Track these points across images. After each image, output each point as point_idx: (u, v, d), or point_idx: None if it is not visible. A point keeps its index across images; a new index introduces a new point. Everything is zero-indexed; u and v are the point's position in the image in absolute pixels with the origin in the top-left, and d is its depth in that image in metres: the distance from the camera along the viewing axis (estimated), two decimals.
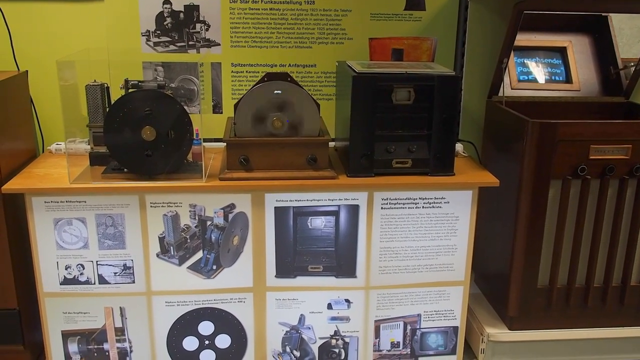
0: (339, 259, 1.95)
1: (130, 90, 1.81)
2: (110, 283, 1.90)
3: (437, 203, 1.93)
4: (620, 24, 2.39)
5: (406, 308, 2.03)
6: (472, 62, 2.33)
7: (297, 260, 1.94)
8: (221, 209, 1.87)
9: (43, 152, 2.20)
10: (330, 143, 1.91)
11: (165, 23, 2.15)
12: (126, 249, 1.87)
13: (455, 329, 2.07)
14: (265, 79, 1.86)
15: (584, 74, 2.34)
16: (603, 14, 2.32)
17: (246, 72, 2.23)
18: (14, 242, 1.88)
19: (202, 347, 2.00)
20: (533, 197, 1.95)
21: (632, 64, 2.27)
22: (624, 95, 2.30)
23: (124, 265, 1.89)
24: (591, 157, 1.93)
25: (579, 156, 1.93)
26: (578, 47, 2.36)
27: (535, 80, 2.32)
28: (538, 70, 2.33)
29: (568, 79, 2.33)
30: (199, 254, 1.91)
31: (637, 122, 1.95)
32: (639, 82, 2.28)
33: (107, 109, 1.86)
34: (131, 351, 1.98)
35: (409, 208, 1.92)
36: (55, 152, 2.10)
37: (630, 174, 1.96)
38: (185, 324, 1.97)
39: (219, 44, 2.19)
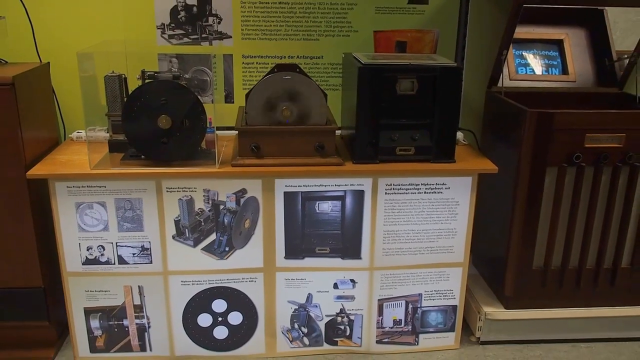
0: (345, 241, 1.95)
1: (146, 81, 1.80)
2: (129, 263, 1.91)
3: (438, 189, 1.92)
4: (614, 17, 2.36)
5: (408, 288, 2.03)
6: (473, 54, 2.30)
7: (305, 243, 1.95)
8: (233, 193, 1.87)
9: (65, 139, 2.20)
10: (336, 131, 1.90)
11: (179, 16, 2.13)
12: (144, 232, 1.88)
13: (454, 307, 2.08)
14: (275, 69, 1.85)
15: (579, 65, 2.31)
16: (599, 8, 2.29)
17: (256, 63, 2.22)
18: (38, 225, 1.89)
19: (215, 323, 2.02)
20: (530, 183, 1.94)
21: (626, 56, 2.24)
22: (618, 86, 2.28)
23: (142, 246, 1.89)
24: (586, 146, 1.92)
25: (575, 144, 1.91)
26: (574, 40, 2.33)
27: (533, 72, 2.29)
28: (536, 62, 2.31)
29: (564, 71, 2.31)
30: (213, 236, 1.91)
31: (630, 112, 1.94)
32: (633, 73, 2.25)
33: (125, 99, 1.85)
34: (149, 327, 1.99)
35: (411, 193, 1.92)
36: (76, 140, 2.11)
37: (624, 162, 1.95)
38: (199, 302, 1.98)
39: (231, 37, 2.18)
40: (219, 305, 2.00)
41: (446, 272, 2.03)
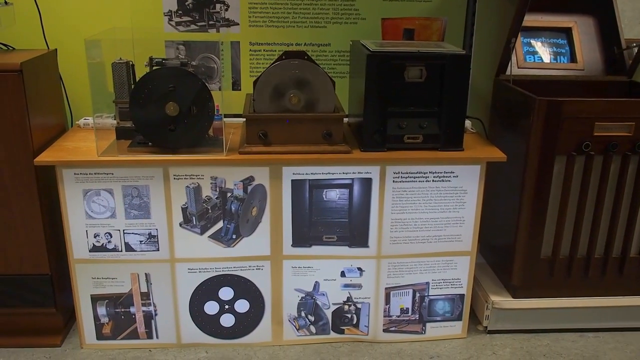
0: (352, 229, 1.94)
1: (154, 68, 1.79)
2: (136, 251, 1.90)
3: (446, 177, 1.91)
4: (622, 5, 2.33)
5: (415, 276, 2.02)
6: (481, 42, 2.28)
7: (313, 231, 1.93)
8: (241, 181, 1.86)
9: (72, 126, 2.19)
10: (344, 119, 1.88)
11: (186, 3, 2.11)
12: (151, 219, 1.87)
13: (462, 296, 2.07)
14: (283, 57, 1.84)
15: (588, 53, 2.29)
16: None
17: (263, 50, 2.20)
18: (46, 211, 1.89)
19: (222, 311, 2.01)
20: (539, 172, 1.92)
21: (635, 44, 2.22)
22: (626, 75, 2.25)
23: (149, 234, 1.89)
24: (595, 134, 1.90)
25: (584, 133, 1.89)
26: (583, 28, 2.31)
27: (541, 60, 2.27)
28: (544, 50, 2.29)
29: (573, 59, 2.28)
30: (220, 224, 1.90)
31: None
32: None
33: (133, 86, 1.84)
34: (156, 314, 1.99)
35: (419, 181, 1.90)
36: (83, 127, 2.10)
37: (633, 151, 1.93)
38: (206, 290, 1.97)
39: (238, 24, 2.16)
40: (226, 293, 1.99)
41: (454, 260, 2.01)
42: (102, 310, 1.97)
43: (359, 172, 1.88)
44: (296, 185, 1.88)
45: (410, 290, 2.04)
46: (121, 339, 2.01)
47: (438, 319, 2.09)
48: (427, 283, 2.03)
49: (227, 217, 1.89)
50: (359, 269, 1.99)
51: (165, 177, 1.83)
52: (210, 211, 1.88)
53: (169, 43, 2.14)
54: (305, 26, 2.19)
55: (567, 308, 2.10)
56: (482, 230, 2.01)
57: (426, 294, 2.05)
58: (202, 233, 1.90)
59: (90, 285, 1.93)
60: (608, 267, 2.06)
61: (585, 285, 2.09)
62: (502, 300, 2.09)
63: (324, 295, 2.02)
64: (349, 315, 2.05)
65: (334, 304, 2.03)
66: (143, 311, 1.98)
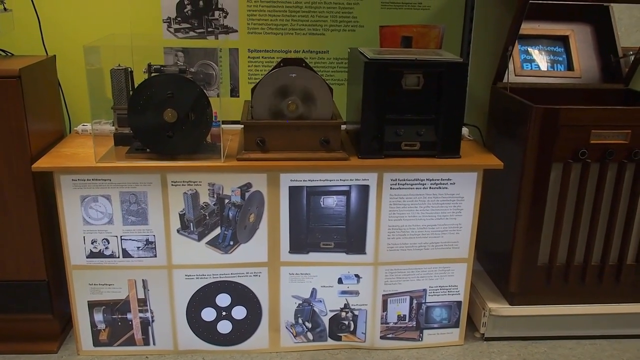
0: (350, 236, 1.95)
1: (152, 74, 1.80)
2: (133, 257, 1.91)
3: (443, 184, 1.92)
4: (619, 13, 2.35)
5: (412, 283, 2.03)
6: (478, 50, 2.30)
7: (310, 237, 1.94)
8: (238, 187, 1.86)
9: (70, 132, 2.19)
10: (342, 126, 1.89)
11: (185, 10, 2.13)
12: (149, 225, 1.87)
13: (459, 303, 2.07)
14: (282, 64, 1.85)
15: (585, 61, 2.31)
16: (604, 4, 2.28)
17: (262, 57, 2.21)
18: (43, 217, 1.89)
19: (219, 317, 2.01)
20: (535, 179, 1.93)
21: (632, 52, 2.24)
22: (623, 83, 2.27)
23: (147, 240, 1.89)
24: (592, 142, 1.91)
25: (580, 141, 1.91)
26: (580, 36, 2.32)
27: (538, 68, 2.29)
28: (541, 58, 2.30)
29: (570, 67, 2.30)
30: (217, 230, 1.91)
31: (636, 109, 1.93)
32: (638, 70, 2.25)
33: (131, 92, 1.85)
34: (153, 321, 1.99)
35: (416, 188, 1.91)
36: (81, 133, 2.10)
37: (629, 158, 1.94)
38: (203, 296, 1.98)
39: (236, 31, 2.18)
40: (223, 300, 1.99)
41: (451, 267, 2.02)
42: (99, 317, 1.97)
43: (356, 179, 1.89)
44: (294, 191, 1.88)
45: (408, 297, 2.05)
46: (118, 345, 2.01)
47: (435, 326, 2.09)
48: (424, 290, 2.04)
49: (225, 223, 1.90)
50: (356, 275, 2.00)
51: (163, 183, 1.83)
52: (207, 217, 1.89)
53: (167, 50, 2.15)
54: (303, 33, 2.20)
55: (564, 315, 2.11)
56: (479, 237, 2.02)
57: (423, 301, 2.05)
58: (199, 239, 1.91)
59: (87, 291, 1.94)
60: (605, 275, 2.07)
61: (582, 293, 2.09)
62: (499, 308, 2.09)
63: (321, 302, 2.02)
64: (346, 322, 2.05)
65: (331, 310, 2.04)
66: (140, 317, 1.98)
